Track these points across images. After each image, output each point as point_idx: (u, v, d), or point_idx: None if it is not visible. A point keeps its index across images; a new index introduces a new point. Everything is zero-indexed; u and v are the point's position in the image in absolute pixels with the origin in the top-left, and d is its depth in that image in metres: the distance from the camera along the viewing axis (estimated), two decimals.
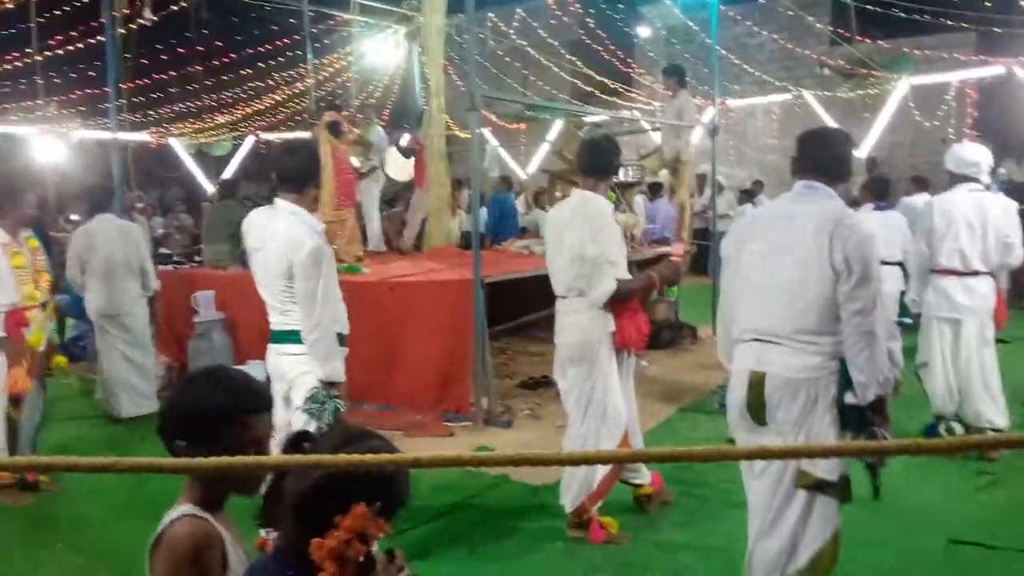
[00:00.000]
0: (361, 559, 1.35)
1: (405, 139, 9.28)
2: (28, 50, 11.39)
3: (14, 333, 4.31)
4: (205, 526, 1.55)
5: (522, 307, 8.06)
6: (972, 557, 3.47)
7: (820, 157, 2.78)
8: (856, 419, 2.58)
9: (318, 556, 1.35)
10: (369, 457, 1.23)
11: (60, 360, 4.70)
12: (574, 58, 15.29)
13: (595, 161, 3.80)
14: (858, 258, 2.53)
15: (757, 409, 2.70)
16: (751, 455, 1.01)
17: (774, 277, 2.67)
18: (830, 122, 14.21)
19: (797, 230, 2.65)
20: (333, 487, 1.38)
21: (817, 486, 2.60)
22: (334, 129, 7.63)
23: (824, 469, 2.58)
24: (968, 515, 3.84)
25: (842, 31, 13.64)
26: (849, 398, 2.58)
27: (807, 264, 2.59)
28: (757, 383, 2.67)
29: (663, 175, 9.81)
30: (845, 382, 2.58)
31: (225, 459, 1.04)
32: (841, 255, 2.53)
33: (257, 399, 1.69)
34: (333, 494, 1.37)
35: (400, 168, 9.05)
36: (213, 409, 1.59)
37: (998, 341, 4.82)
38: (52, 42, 11.45)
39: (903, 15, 12.04)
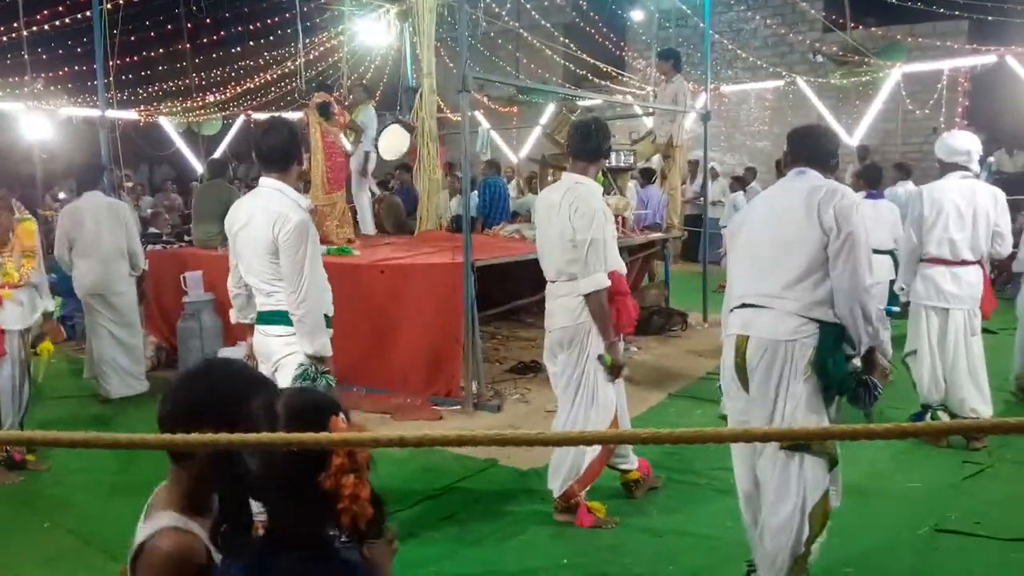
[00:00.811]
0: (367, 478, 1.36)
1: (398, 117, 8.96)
2: (14, 25, 11.23)
3: None
4: (187, 541, 1.47)
5: (512, 292, 8.04)
6: (957, 545, 3.50)
7: (809, 150, 3.04)
8: (840, 380, 2.79)
9: (330, 484, 1.32)
10: (353, 436, 1.23)
11: (47, 345, 4.65)
12: (567, 40, 15.20)
13: (585, 144, 3.78)
14: (846, 218, 2.76)
15: (742, 373, 2.90)
16: (736, 438, 1.00)
17: (765, 247, 2.91)
18: (823, 109, 14.24)
19: (790, 200, 2.91)
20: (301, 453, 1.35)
21: (799, 446, 2.78)
22: (324, 111, 7.56)
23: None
24: (953, 504, 3.88)
25: (836, 17, 13.60)
26: (848, 349, 2.80)
27: (798, 226, 2.82)
28: (742, 346, 2.88)
29: (655, 160, 9.79)
30: (825, 345, 2.77)
31: (210, 436, 1.03)
32: (830, 215, 2.77)
33: (266, 387, 1.61)
34: (304, 457, 1.34)
35: (395, 146, 8.72)
36: (223, 399, 1.49)
37: (985, 331, 4.85)
38: (39, 17, 11.29)
39: (896, 2, 12.02)
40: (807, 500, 2.79)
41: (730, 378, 2.97)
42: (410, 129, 8.39)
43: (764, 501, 2.89)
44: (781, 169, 3.30)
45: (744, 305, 2.92)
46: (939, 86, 13.03)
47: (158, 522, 1.49)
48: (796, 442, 2.74)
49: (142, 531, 1.50)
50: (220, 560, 1.47)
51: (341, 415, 1.41)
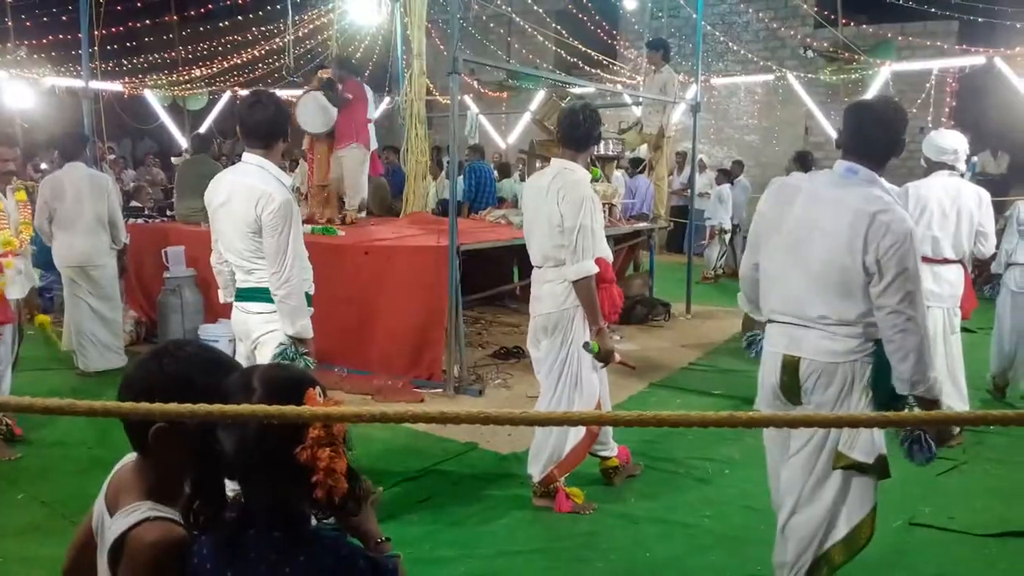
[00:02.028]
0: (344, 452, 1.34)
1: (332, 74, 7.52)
2: None
3: None
4: (170, 530, 1.43)
5: (496, 277, 8.04)
6: (931, 539, 3.55)
7: (866, 136, 2.62)
8: (888, 396, 2.55)
9: (305, 456, 1.30)
10: (334, 410, 1.21)
11: (43, 318, 4.65)
12: (559, 27, 15.14)
13: (575, 131, 3.75)
14: (892, 258, 2.42)
15: (792, 391, 2.69)
16: (720, 422, 1.00)
17: (806, 262, 2.60)
18: (812, 105, 14.28)
19: (833, 219, 2.54)
20: (277, 426, 1.33)
21: (853, 467, 2.61)
22: (329, 88, 7.48)
23: (860, 451, 2.59)
24: (928, 498, 3.92)
25: (827, 14, 13.63)
26: (899, 387, 2.53)
27: (841, 257, 2.51)
28: (792, 366, 2.66)
29: (643, 150, 9.79)
30: (880, 364, 2.55)
31: (188, 406, 1.01)
32: (873, 256, 2.44)
33: (229, 370, 1.54)
34: (279, 431, 1.33)
35: (316, 116, 7.19)
36: (195, 382, 1.41)
37: (964, 330, 4.90)
38: None
39: (888, 0, 12.06)
40: (845, 514, 2.68)
41: (772, 395, 2.77)
42: (336, 102, 7.22)
43: (788, 500, 2.78)
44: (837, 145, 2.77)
45: (787, 322, 2.70)
46: (927, 86, 13.11)
47: (135, 514, 1.44)
48: (855, 464, 2.59)
49: (117, 524, 1.45)
50: (194, 537, 1.45)
51: (317, 389, 1.40)
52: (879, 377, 2.57)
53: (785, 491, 2.81)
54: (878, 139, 2.62)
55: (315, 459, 1.31)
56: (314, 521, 1.44)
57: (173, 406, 1.06)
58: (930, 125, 12.56)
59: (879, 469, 2.64)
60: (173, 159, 14.48)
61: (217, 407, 1.11)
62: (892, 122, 2.65)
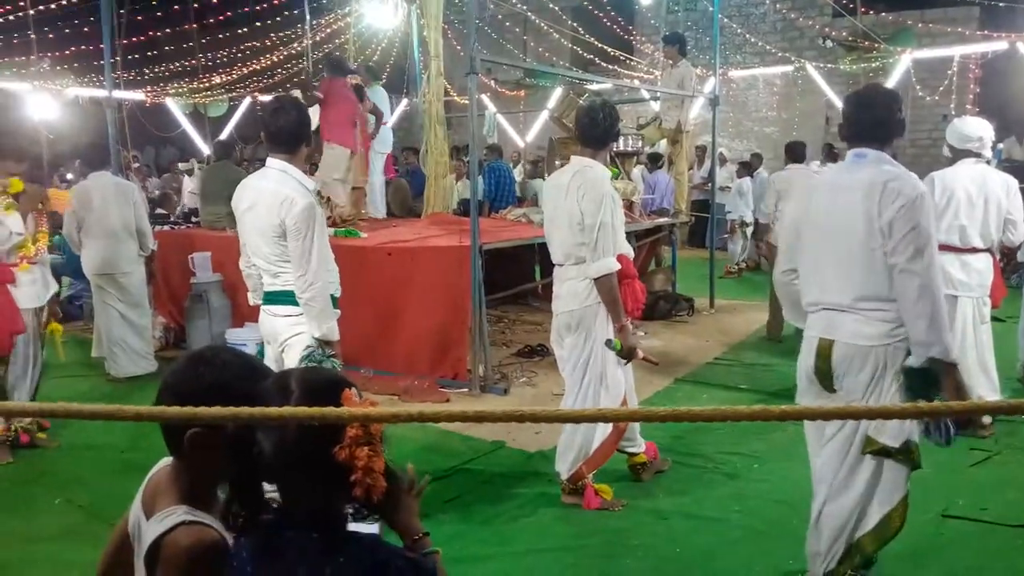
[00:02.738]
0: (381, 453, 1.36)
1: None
2: (21, 3, 11.20)
3: None
4: (206, 534, 1.45)
5: (518, 276, 8.06)
6: (964, 530, 3.51)
7: (865, 125, 2.74)
8: (921, 385, 2.57)
9: (343, 455, 1.32)
10: (372, 410, 1.23)
11: (55, 327, 4.64)
12: (575, 24, 15.11)
13: (594, 129, 3.75)
14: (902, 218, 2.51)
15: (825, 376, 2.75)
16: (753, 416, 1.00)
17: (832, 247, 2.70)
18: (832, 95, 14.14)
19: (849, 200, 2.65)
20: (315, 427, 1.35)
21: (882, 452, 2.65)
22: (360, 94, 7.53)
23: (889, 436, 2.64)
24: (960, 490, 3.88)
25: (846, 2, 13.50)
26: (910, 360, 2.58)
27: (861, 233, 2.60)
28: (825, 351, 2.72)
29: (662, 145, 9.76)
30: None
31: (232, 409, 1.03)
32: (886, 217, 2.53)
33: (262, 375, 1.56)
34: (317, 432, 1.35)
35: None
36: (231, 388, 1.43)
37: (993, 319, 4.84)
38: None
39: None
40: (877, 502, 2.71)
41: (807, 379, 2.82)
42: (311, 101, 7.19)
43: (821, 489, 2.81)
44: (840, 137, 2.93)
45: (824, 309, 2.75)
46: (949, 73, 12.95)
47: (170, 518, 1.46)
48: (883, 448, 2.63)
49: (153, 528, 1.47)
50: (232, 539, 1.47)
51: (354, 390, 1.42)
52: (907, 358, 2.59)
53: (819, 479, 2.84)
54: (877, 122, 2.73)
55: (353, 458, 1.33)
56: (356, 526, 1.46)
57: (216, 409, 1.08)
58: (953, 112, 12.41)
59: (907, 454, 2.67)
60: (199, 165, 14.61)
61: (258, 409, 1.12)
62: (888, 105, 2.76)
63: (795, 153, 7.62)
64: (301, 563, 1.38)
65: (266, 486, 1.48)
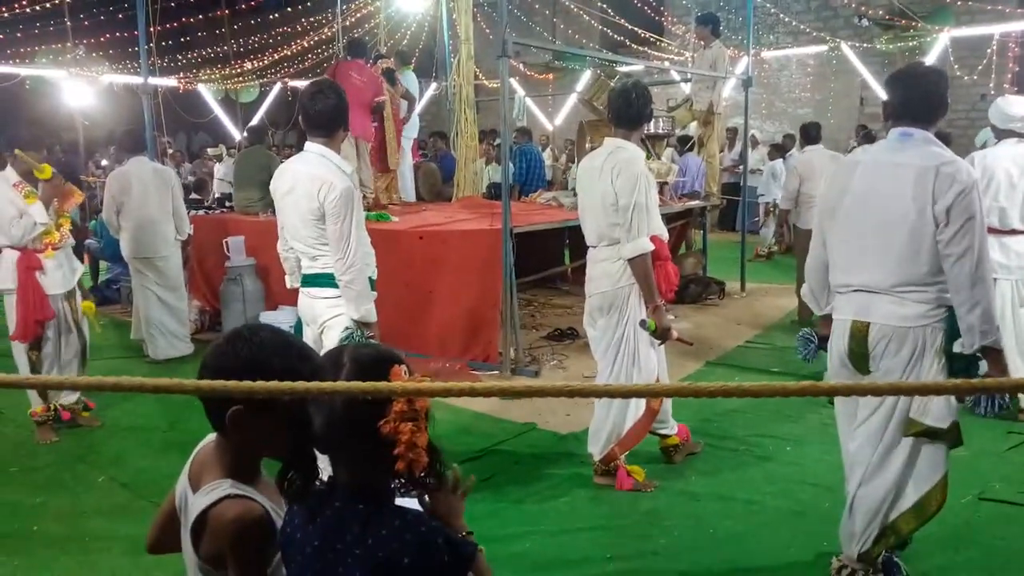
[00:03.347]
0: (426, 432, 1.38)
1: None
2: None
3: (25, 276, 4.29)
4: (251, 507, 1.47)
5: (547, 260, 8.06)
6: (1000, 513, 3.48)
7: (910, 99, 2.69)
8: (965, 368, 2.57)
9: (389, 429, 1.35)
10: (418, 384, 1.26)
11: (88, 305, 4.68)
12: (604, 5, 14.98)
13: (627, 110, 3.74)
14: (959, 208, 2.47)
15: (860, 359, 2.71)
16: (803, 392, 1.01)
17: (874, 229, 2.65)
18: (867, 75, 13.89)
19: (896, 181, 2.59)
20: (363, 401, 1.38)
21: (927, 433, 2.62)
22: (390, 77, 7.55)
23: (934, 417, 2.61)
24: (997, 473, 3.85)
25: None
26: (956, 346, 2.57)
27: (909, 216, 2.55)
28: (860, 333, 2.69)
29: (692, 128, 9.67)
30: (952, 329, 2.57)
31: (287, 384, 1.06)
32: (943, 205, 2.49)
33: (313, 360, 1.57)
34: (365, 406, 1.38)
35: None
36: (278, 366, 1.44)
37: None
38: None
39: None
40: (915, 482, 2.69)
41: (839, 362, 2.79)
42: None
43: (856, 471, 2.79)
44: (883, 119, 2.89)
45: (857, 291, 2.72)
46: (988, 51, 12.65)
47: (216, 491, 1.49)
48: (928, 430, 2.60)
49: (199, 501, 1.50)
50: (287, 507, 1.52)
51: (403, 367, 1.45)
52: (952, 343, 2.57)
53: (853, 462, 2.82)
54: (924, 100, 2.68)
55: (397, 432, 1.36)
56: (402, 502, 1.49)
57: (267, 384, 1.10)
58: (992, 92, 12.14)
59: (953, 435, 2.62)
60: (208, 152, 14.75)
61: (302, 384, 1.15)
62: (936, 83, 2.72)
63: (810, 135, 7.49)
64: (346, 533, 1.42)
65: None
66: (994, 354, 2.53)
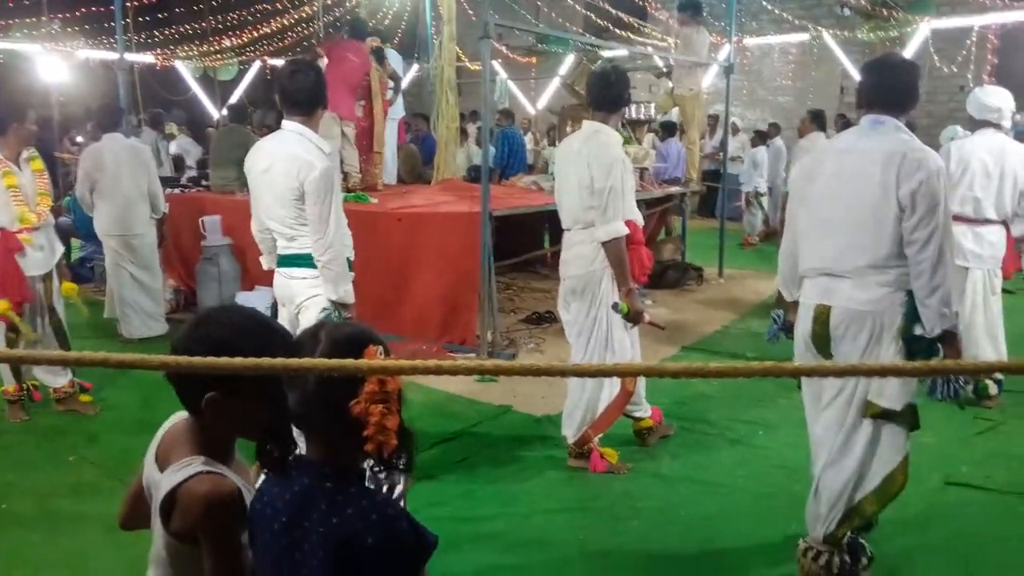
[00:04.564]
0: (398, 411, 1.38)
1: None
2: None
3: (4, 258, 4.17)
4: (224, 483, 1.47)
5: (527, 244, 8.06)
6: (967, 498, 3.55)
7: (884, 88, 2.75)
8: (924, 351, 2.61)
9: (358, 409, 1.35)
10: (390, 362, 1.25)
11: (69, 286, 4.60)
12: None
13: (605, 93, 3.75)
14: (924, 193, 2.52)
15: (822, 342, 2.77)
16: (767, 372, 1.01)
17: (840, 213, 2.70)
18: (848, 64, 13.95)
19: (864, 165, 2.65)
20: (335, 380, 1.38)
21: (884, 415, 2.67)
22: (378, 56, 7.45)
23: (889, 399, 2.65)
24: (964, 458, 3.91)
25: None
26: (918, 330, 2.61)
27: (873, 199, 2.60)
28: (823, 316, 2.74)
29: (674, 114, 9.67)
30: (912, 313, 2.62)
31: (253, 360, 1.04)
32: (907, 189, 2.54)
33: (286, 340, 1.56)
34: (337, 385, 1.38)
35: None
36: (252, 347, 1.38)
37: (1004, 291, 4.83)
38: None
39: None
40: (877, 464, 2.72)
41: (804, 346, 2.84)
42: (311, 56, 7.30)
43: (821, 454, 2.84)
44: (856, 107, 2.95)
45: (822, 274, 2.77)
46: (968, 43, 12.74)
47: (188, 468, 1.48)
48: (884, 411, 2.65)
49: (169, 478, 1.48)
50: (262, 478, 1.52)
51: (380, 348, 1.44)
52: (911, 326, 2.62)
53: (818, 445, 2.87)
54: (897, 89, 2.74)
55: (368, 413, 1.35)
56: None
57: (237, 360, 1.07)
58: (971, 83, 12.23)
59: (909, 417, 2.69)
60: (208, 129, 14.57)
61: (268, 360, 1.14)
62: (908, 73, 2.80)
63: (822, 121, 7.53)
64: (312, 510, 1.42)
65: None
66: (951, 338, 2.59)
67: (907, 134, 2.69)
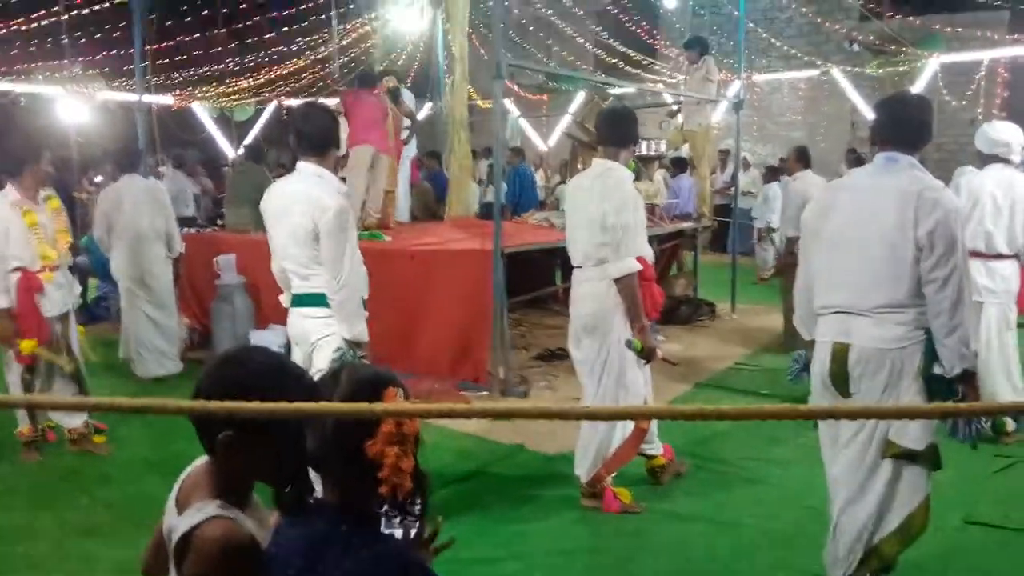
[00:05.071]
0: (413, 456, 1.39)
1: None
2: (55, 9, 11.42)
3: (25, 298, 4.20)
4: (237, 528, 1.46)
5: (538, 280, 8.07)
6: (986, 537, 3.49)
7: (898, 125, 2.76)
8: (944, 390, 2.59)
9: (375, 451, 1.36)
10: (403, 406, 1.26)
11: (80, 329, 4.63)
12: (599, 28, 15.12)
13: (615, 130, 3.79)
14: (942, 234, 2.52)
15: (841, 381, 2.74)
16: (782, 415, 1.01)
17: (856, 252, 2.69)
18: (858, 99, 14.04)
19: (880, 204, 2.65)
20: (353, 422, 1.39)
21: (905, 455, 2.64)
22: (394, 96, 7.58)
23: (911, 439, 2.63)
24: (983, 497, 3.86)
25: (872, 6, 13.40)
26: (936, 369, 2.60)
27: (890, 238, 2.60)
28: (841, 354, 2.72)
29: (685, 150, 9.73)
30: (931, 352, 2.60)
31: (268, 405, 1.06)
32: (925, 230, 2.53)
33: (303, 382, 1.56)
34: (354, 426, 1.39)
35: None
36: (269, 390, 1.39)
37: (1019, 325, 4.79)
38: (77, 1, 11.47)
39: None
40: (898, 505, 2.70)
41: (821, 384, 2.82)
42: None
43: (840, 494, 2.81)
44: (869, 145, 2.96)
45: (838, 312, 2.76)
46: (977, 77, 12.80)
47: (202, 512, 1.47)
48: (906, 452, 2.62)
49: (185, 521, 1.47)
50: (278, 521, 1.52)
51: (400, 390, 1.45)
52: (930, 365, 2.60)
53: (837, 485, 2.83)
54: (910, 126, 2.77)
55: (383, 455, 1.36)
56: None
57: (255, 405, 1.09)
58: (980, 117, 12.26)
59: (931, 457, 2.64)
60: (224, 168, 14.77)
61: (286, 405, 1.15)
62: (921, 110, 2.83)
63: (806, 158, 7.30)
64: (327, 553, 1.42)
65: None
66: (970, 377, 2.57)
67: (921, 171, 2.70)
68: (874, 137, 2.84)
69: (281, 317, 3.62)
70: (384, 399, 1.42)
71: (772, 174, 12.04)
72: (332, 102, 8.13)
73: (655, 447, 4.02)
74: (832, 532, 2.85)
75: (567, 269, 3.95)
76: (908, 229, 2.56)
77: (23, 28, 11.82)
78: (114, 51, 12.73)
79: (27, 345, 4.21)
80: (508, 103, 15.95)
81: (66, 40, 12.22)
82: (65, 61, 12.97)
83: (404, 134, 8.13)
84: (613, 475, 3.80)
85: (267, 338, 5.87)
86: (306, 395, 1.45)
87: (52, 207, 4.44)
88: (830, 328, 2.78)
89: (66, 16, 11.49)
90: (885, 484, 2.69)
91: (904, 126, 2.76)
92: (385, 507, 1.47)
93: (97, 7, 11.39)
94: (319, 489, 1.53)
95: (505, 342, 5.69)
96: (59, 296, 4.41)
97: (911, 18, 13.60)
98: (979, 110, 12.70)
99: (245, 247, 6.77)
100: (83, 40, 12.93)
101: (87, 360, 4.71)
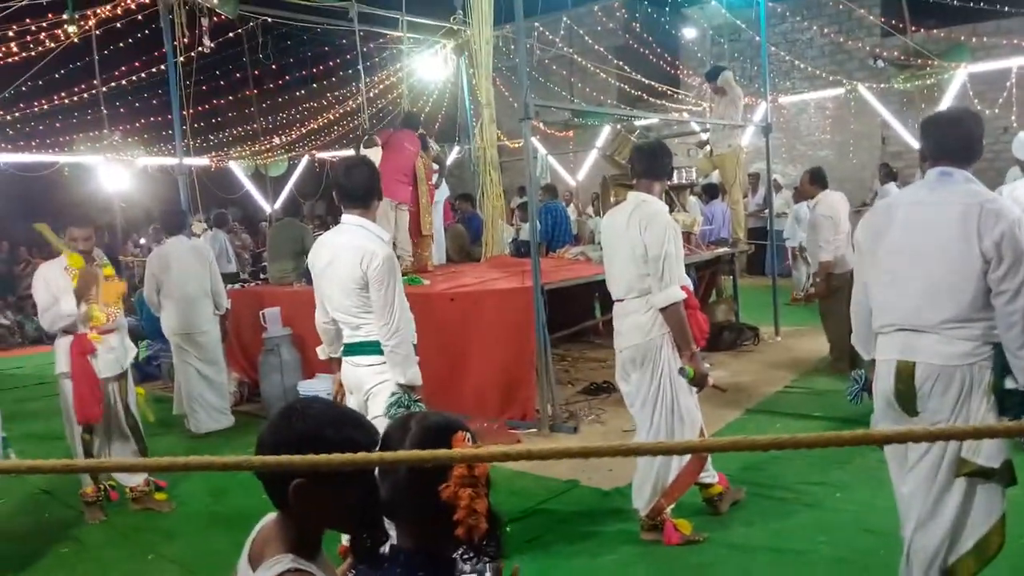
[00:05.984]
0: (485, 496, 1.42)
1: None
2: (93, 82, 11.85)
3: (78, 361, 4.32)
4: None
5: (578, 314, 8.09)
6: None
7: (952, 144, 2.72)
8: (1017, 403, 2.54)
9: (448, 494, 1.39)
10: (469, 451, 1.29)
11: (139, 390, 4.74)
12: (620, 62, 15.28)
13: (651, 164, 3.84)
14: (1009, 244, 2.48)
15: (907, 399, 2.69)
16: (858, 441, 1.02)
17: (917, 268, 2.65)
18: (887, 115, 13.95)
19: (939, 218, 2.61)
20: (426, 468, 1.42)
21: (979, 473, 2.58)
22: (425, 145, 7.74)
23: (986, 456, 2.57)
24: None
25: (894, 22, 13.37)
26: (1009, 383, 2.54)
27: (953, 252, 2.56)
28: (906, 372, 2.66)
29: (715, 176, 9.74)
30: (1001, 366, 2.55)
31: (347, 456, 1.10)
32: (990, 241, 2.49)
33: (369, 429, 1.59)
34: (427, 471, 1.42)
35: None
36: (334, 438, 1.45)
37: None
38: (115, 74, 11.90)
39: (956, 2, 11.76)
40: (972, 524, 2.63)
41: (886, 404, 2.77)
42: (368, 143, 7.60)
43: (911, 516, 2.74)
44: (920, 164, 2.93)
45: (901, 329, 2.71)
46: (1008, 84, 12.66)
47: (276, 567, 1.48)
48: (980, 469, 2.56)
49: (260, 572, 1.49)
50: (350, 569, 1.54)
51: (468, 435, 1.49)
52: (1001, 380, 2.55)
53: (907, 506, 2.76)
54: (962, 143, 2.72)
55: (457, 497, 1.39)
56: None
57: (327, 456, 1.13)
58: (1015, 124, 12.11)
59: (1006, 474, 2.58)
60: (262, 224, 15.07)
61: (362, 455, 1.19)
62: (972, 125, 2.77)
63: (822, 179, 7.14)
64: None
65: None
66: None
67: (978, 185, 2.66)
68: (924, 154, 2.81)
69: (326, 366, 3.67)
70: (454, 444, 1.46)
71: (800, 194, 11.96)
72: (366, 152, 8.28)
73: (711, 475, 3.99)
74: (905, 556, 2.78)
75: (606, 301, 3.97)
76: (972, 242, 2.51)
77: (65, 101, 12.30)
78: (152, 118, 13.17)
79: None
80: (535, 141, 16.13)
81: (105, 111, 12.65)
82: (105, 131, 13.42)
83: (434, 179, 8.27)
84: (672, 506, 3.77)
85: (316, 387, 5.95)
86: (369, 439, 1.49)
87: (106, 274, 4.56)
88: (893, 346, 2.73)
89: (104, 88, 11.92)
90: (959, 504, 2.62)
91: (954, 143, 2.72)
92: (461, 550, 1.49)
93: (133, 78, 11.81)
94: (394, 536, 1.55)
95: (550, 378, 5.70)
96: (112, 358, 4.51)
97: (934, 31, 13.53)
98: (1012, 117, 12.54)
99: (288, 299, 6.91)
100: (122, 110, 13.39)
101: (146, 420, 4.81)
